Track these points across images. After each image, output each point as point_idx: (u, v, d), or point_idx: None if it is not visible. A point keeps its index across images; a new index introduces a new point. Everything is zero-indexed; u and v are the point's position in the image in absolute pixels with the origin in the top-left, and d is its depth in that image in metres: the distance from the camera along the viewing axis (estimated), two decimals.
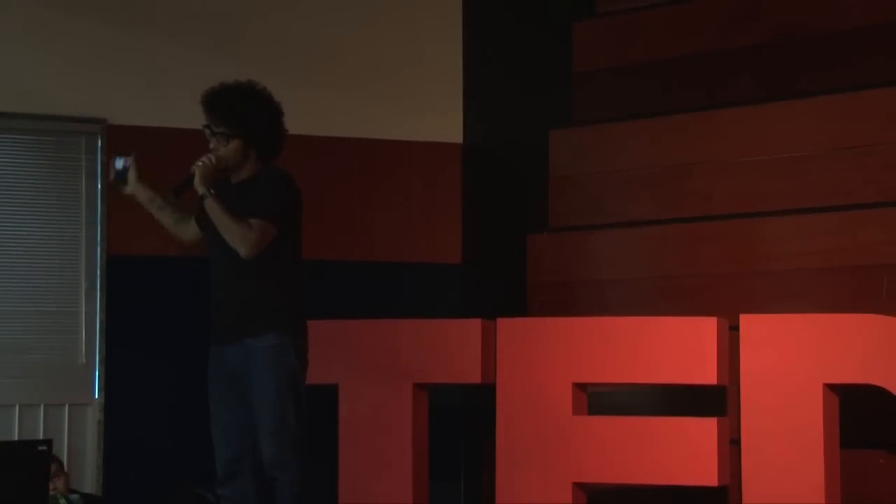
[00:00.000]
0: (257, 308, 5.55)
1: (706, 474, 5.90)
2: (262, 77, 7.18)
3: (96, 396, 6.88)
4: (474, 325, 6.36)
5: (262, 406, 5.52)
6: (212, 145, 5.61)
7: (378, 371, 6.38)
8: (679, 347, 5.98)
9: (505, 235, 7.37)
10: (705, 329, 5.96)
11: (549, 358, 6.16)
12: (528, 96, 7.57)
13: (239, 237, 5.44)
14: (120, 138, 6.92)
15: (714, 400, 6.17)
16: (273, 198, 5.55)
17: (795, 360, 5.83)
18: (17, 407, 6.75)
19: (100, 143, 6.93)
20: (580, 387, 6.18)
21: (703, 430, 5.92)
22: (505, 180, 7.53)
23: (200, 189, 5.49)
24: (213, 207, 5.46)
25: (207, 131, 5.61)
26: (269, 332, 5.51)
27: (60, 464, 6.16)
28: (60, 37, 6.88)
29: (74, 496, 6.02)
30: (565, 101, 7.58)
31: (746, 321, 5.94)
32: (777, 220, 6.65)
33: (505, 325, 6.30)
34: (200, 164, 5.52)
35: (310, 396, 6.70)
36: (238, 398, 5.60)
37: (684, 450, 5.93)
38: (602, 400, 6.51)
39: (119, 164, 5.67)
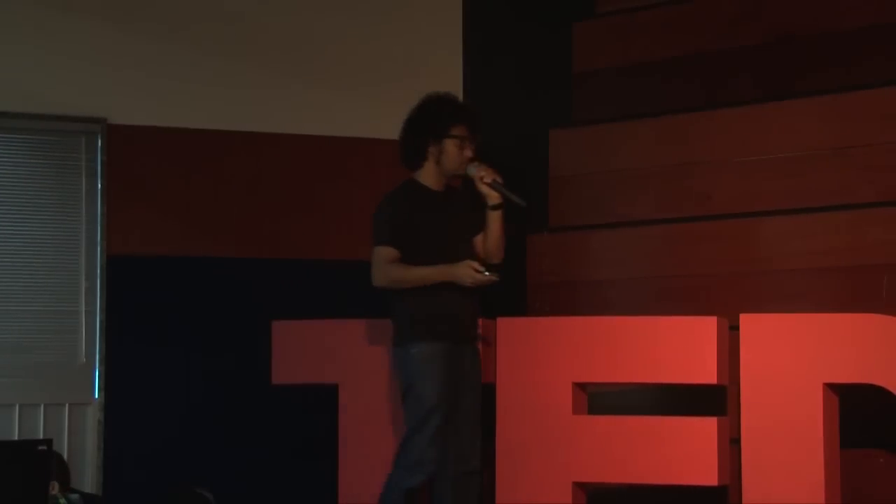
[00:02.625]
0: (478, 315, 5.87)
1: (706, 474, 5.90)
2: (262, 77, 7.22)
3: (96, 396, 6.88)
4: None
5: (478, 410, 5.85)
6: (467, 153, 5.80)
7: (378, 371, 6.38)
8: (679, 347, 5.98)
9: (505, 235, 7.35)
10: (705, 329, 5.96)
11: (549, 358, 6.15)
12: (528, 96, 7.57)
13: (504, 246, 5.82)
14: (120, 138, 6.93)
15: (714, 400, 6.17)
16: None
17: (795, 360, 5.83)
18: (17, 407, 6.75)
19: (100, 143, 6.93)
20: (580, 387, 6.18)
21: (703, 430, 5.92)
22: (505, 180, 7.52)
23: (501, 201, 5.77)
24: (502, 216, 5.77)
25: (464, 141, 5.78)
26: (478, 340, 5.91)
27: (63, 471, 6.10)
28: (60, 36, 6.88)
29: (74, 496, 6.00)
30: (565, 101, 7.58)
31: (746, 321, 5.94)
32: (777, 220, 6.65)
33: (505, 324, 6.29)
34: (496, 176, 5.77)
35: (310, 396, 6.72)
36: (452, 396, 5.75)
37: (684, 450, 5.92)
38: (602, 400, 6.50)
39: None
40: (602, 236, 7.11)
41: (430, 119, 5.80)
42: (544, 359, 6.16)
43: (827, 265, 6.45)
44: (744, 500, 5.88)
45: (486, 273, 5.63)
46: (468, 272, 5.62)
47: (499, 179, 5.78)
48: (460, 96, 7.47)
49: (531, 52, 7.60)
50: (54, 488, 5.74)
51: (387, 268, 5.72)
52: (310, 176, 7.25)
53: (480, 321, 6.27)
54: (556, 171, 7.38)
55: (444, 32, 7.50)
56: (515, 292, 7.16)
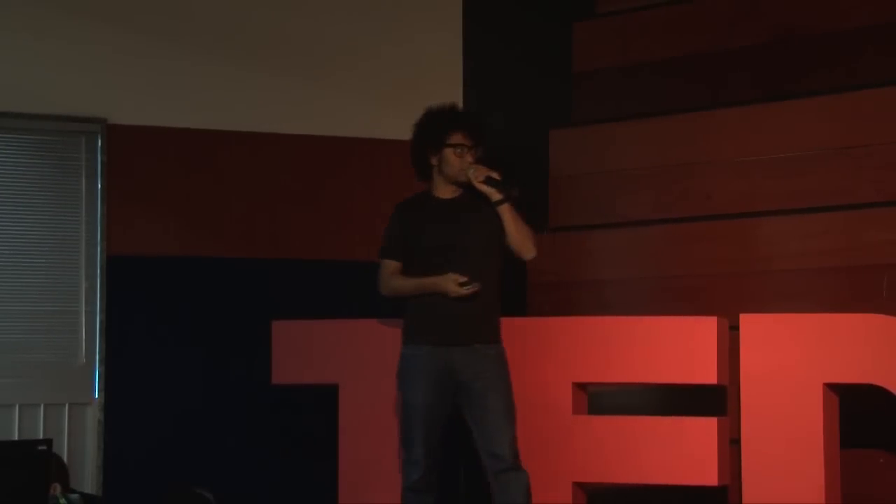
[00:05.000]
0: (488, 317, 5.90)
1: (706, 474, 5.90)
2: (263, 77, 7.21)
3: (96, 396, 6.88)
4: None
5: (500, 409, 5.82)
6: (467, 159, 5.87)
7: (378, 371, 6.37)
8: (679, 347, 5.98)
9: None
10: (705, 329, 5.96)
11: (549, 358, 6.15)
12: (527, 96, 7.57)
13: (532, 239, 5.88)
14: (120, 138, 6.93)
15: (714, 400, 6.17)
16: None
17: (795, 360, 5.83)
18: (17, 407, 6.75)
19: (100, 143, 6.93)
20: (580, 387, 6.18)
21: (703, 430, 5.92)
22: (505, 180, 7.52)
23: (500, 195, 5.83)
24: (510, 211, 5.83)
25: (461, 149, 5.87)
26: (497, 342, 5.91)
27: (62, 473, 6.09)
28: (60, 37, 6.87)
29: (74, 496, 5.99)
30: (565, 101, 7.58)
31: (746, 321, 5.94)
32: (777, 220, 6.66)
33: (505, 324, 6.28)
34: (490, 172, 5.84)
35: (310, 396, 6.72)
36: (445, 397, 5.82)
37: (684, 450, 5.93)
38: (602, 400, 6.50)
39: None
40: (602, 236, 7.11)
41: (427, 131, 5.96)
42: (544, 359, 6.17)
43: (827, 265, 6.45)
44: (744, 500, 5.88)
45: (468, 287, 5.74)
46: (451, 286, 5.77)
47: (494, 175, 5.84)
48: (460, 96, 7.50)
49: (531, 52, 7.60)
50: (55, 489, 5.74)
51: (387, 279, 5.97)
52: (310, 176, 7.25)
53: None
54: (556, 171, 7.38)
55: (444, 32, 7.50)
56: (516, 292, 7.16)
